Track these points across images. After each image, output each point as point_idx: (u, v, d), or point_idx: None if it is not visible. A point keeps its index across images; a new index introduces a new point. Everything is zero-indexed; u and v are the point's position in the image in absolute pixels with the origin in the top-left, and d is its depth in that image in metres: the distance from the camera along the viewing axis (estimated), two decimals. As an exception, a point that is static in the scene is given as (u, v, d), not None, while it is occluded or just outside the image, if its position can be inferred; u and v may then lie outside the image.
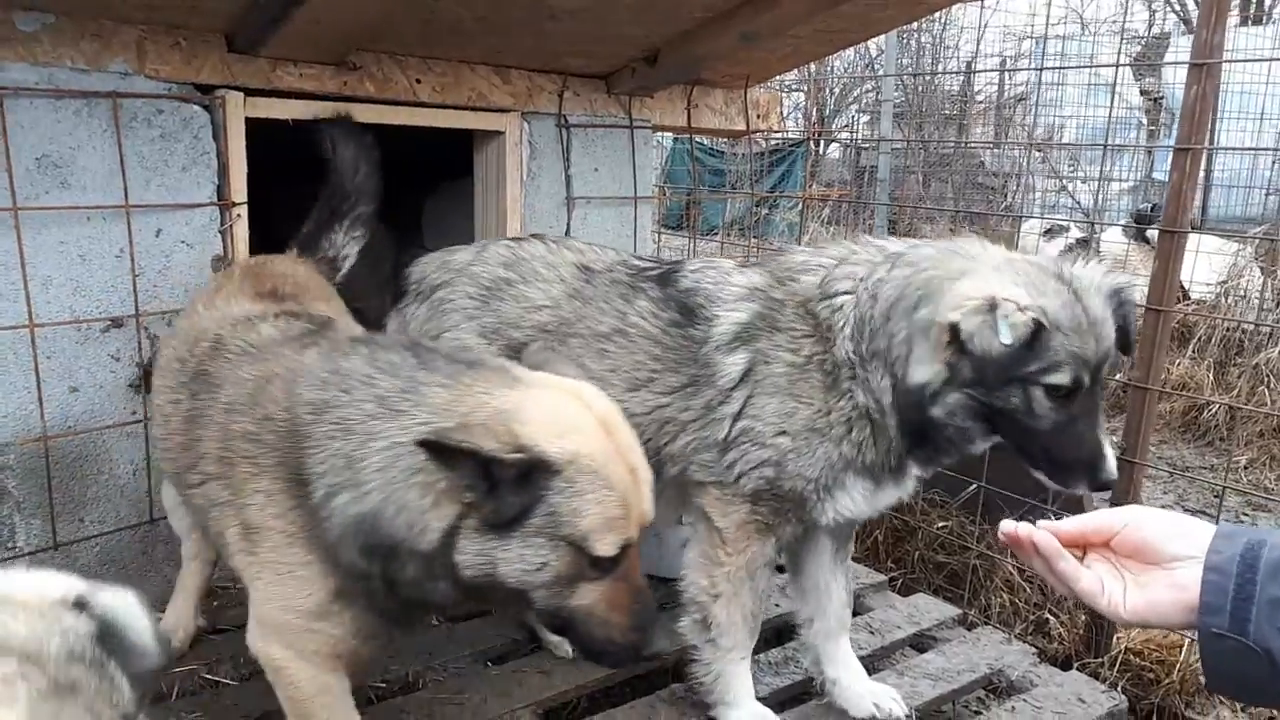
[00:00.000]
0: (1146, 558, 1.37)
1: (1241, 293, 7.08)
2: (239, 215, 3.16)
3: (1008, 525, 1.47)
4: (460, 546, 1.77)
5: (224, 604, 3.22)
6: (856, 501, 2.54)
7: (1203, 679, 1.32)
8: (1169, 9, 18.57)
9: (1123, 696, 3.00)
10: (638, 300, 2.71)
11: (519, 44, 3.47)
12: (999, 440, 2.42)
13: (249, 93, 3.15)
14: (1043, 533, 1.43)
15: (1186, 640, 3.20)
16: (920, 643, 3.25)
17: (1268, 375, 6.11)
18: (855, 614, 3.29)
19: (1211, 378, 6.42)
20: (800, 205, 9.14)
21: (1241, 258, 7.34)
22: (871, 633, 3.20)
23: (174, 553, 3.22)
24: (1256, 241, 7.71)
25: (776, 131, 5.82)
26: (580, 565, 1.78)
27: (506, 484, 1.71)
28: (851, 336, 2.42)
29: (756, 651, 3.03)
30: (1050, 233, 8.51)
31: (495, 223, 3.88)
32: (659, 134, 4.95)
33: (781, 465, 2.47)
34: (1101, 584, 1.38)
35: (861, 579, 3.53)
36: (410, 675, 2.86)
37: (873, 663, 3.08)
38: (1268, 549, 1.23)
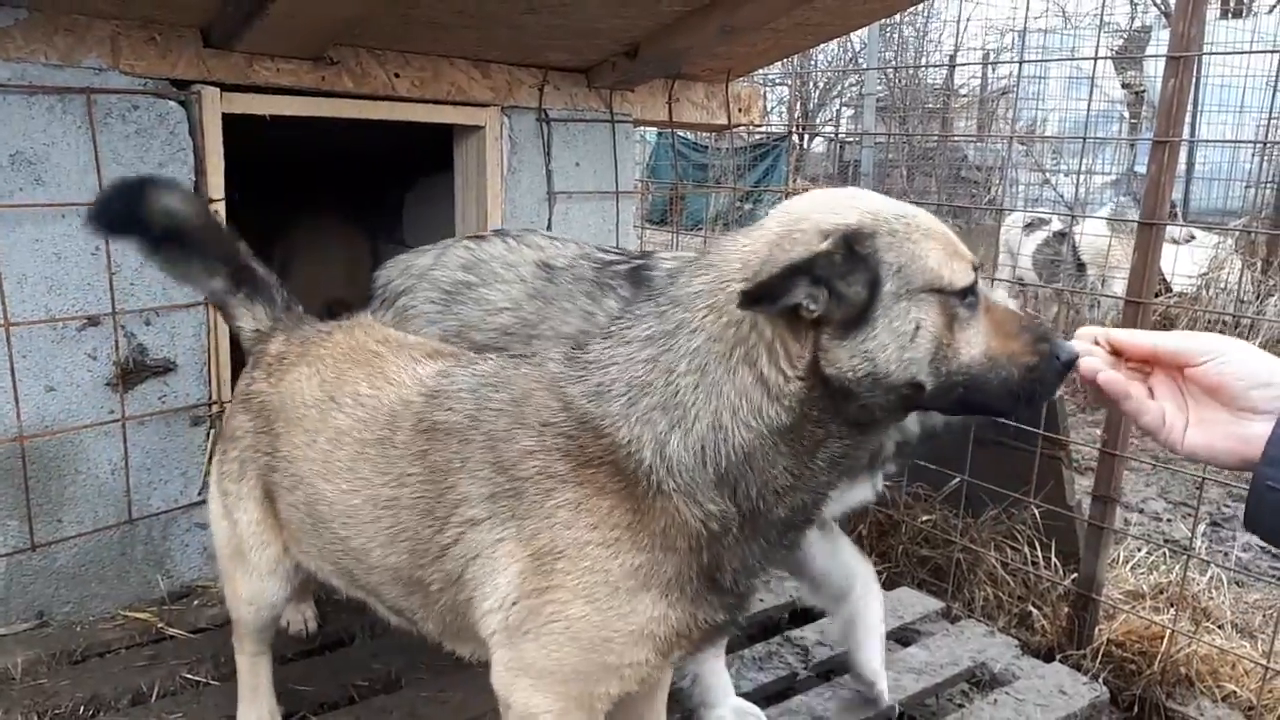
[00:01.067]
0: (1221, 398, 1.34)
1: (1223, 285, 7.13)
2: (216, 212, 3.13)
3: (1084, 360, 1.51)
4: (830, 361, 1.59)
5: (204, 603, 3.21)
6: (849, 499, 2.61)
7: (1242, 518, 1.30)
8: (1150, 2, 18.67)
9: (1104, 688, 3.01)
10: (605, 299, 2.65)
11: (498, 37, 3.46)
12: None
13: (226, 88, 3.12)
14: (1110, 374, 1.46)
15: (1168, 631, 3.22)
16: (904, 636, 3.26)
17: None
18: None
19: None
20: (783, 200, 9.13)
21: (1222, 250, 7.39)
22: (855, 626, 3.20)
23: (153, 552, 3.21)
24: (1236, 234, 7.77)
25: (759, 126, 5.81)
26: (950, 309, 1.60)
27: (839, 275, 1.54)
28: None
29: (740, 647, 3.04)
30: (1030, 226, 8.54)
31: (476, 218, 3.86)
32: (641, 128, 4.94)
33: None
34: (1164, 417, 1.40)
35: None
36: (393, 673, 2.85)
37: (856, 656, 3.08)
38: None
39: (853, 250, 1.55)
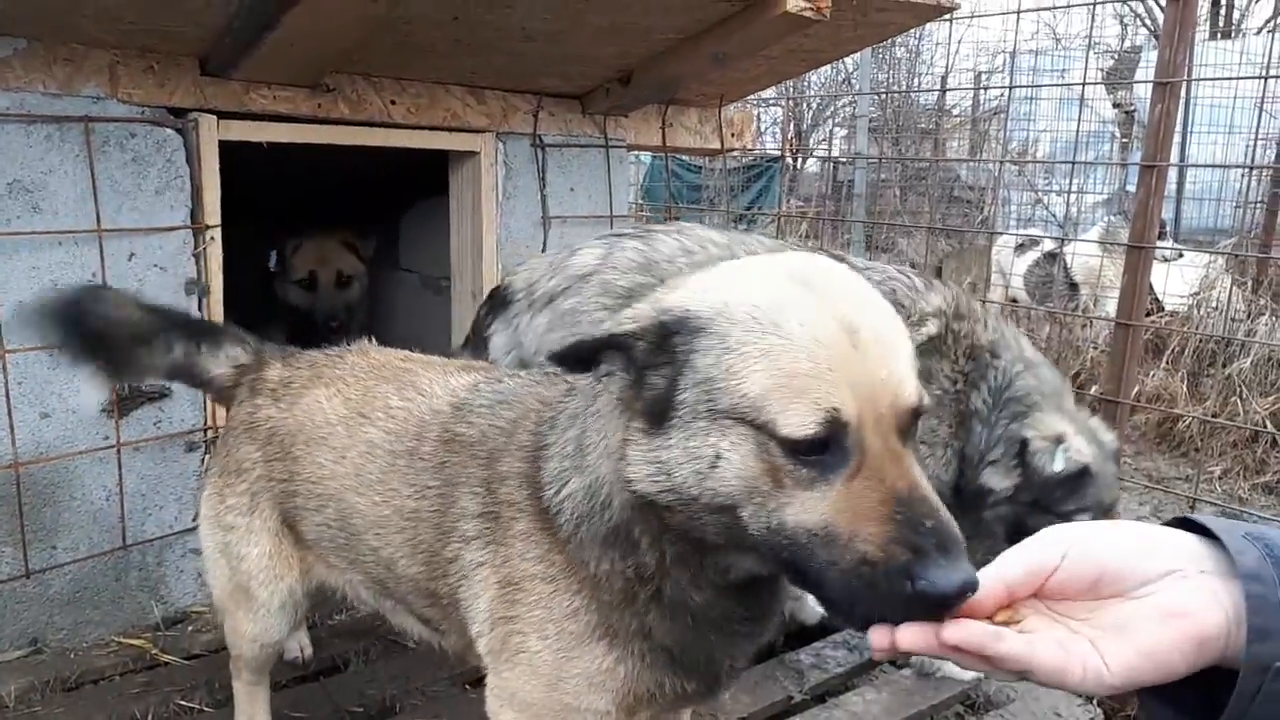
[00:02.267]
0: (1106, 590, 1.03)
1: (1214, 304, 7.15)
2: (212, 238, 3.15)
3: (880, 639, 1.13)
4: (629, 458, 1.41)
5: (199, 629, 3.20)
6: None
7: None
8: (1140, 23, 18.83)
9: (1099, 710, 3.01)
10: None
11: (493, 65, 3.49)
12: None
13: (222, 115, 3.14)
14: (954, 627, 1.04)
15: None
16: (899, 659, 3.26)
17: (1240, 386, 6.17)
18: (833, 632, 3.30)
19: (1185, 389, 6.48)
20: (776, 223, 9.19)
21: (1213, 269, 7.42)
22: (850, 649, 3.21)
23: (148, 578, 3.21)
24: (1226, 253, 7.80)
25: (751, 150, 5.85)
26: (769, 455, 1.27)
27: (648, 361, 1.37)
28: (982, 396, 2.81)
29: (735, 670, 3.03)
30: (1022, 247, 8.58)
31: (471, 242, 3.88)
32: (636, 151, 4.97)
33: None
34: (1065, 651, 1.00)
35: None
36: (387, 699, 2.84)
37: (850, 679, 3.09)
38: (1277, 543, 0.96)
39: (667, 340, 1.35)
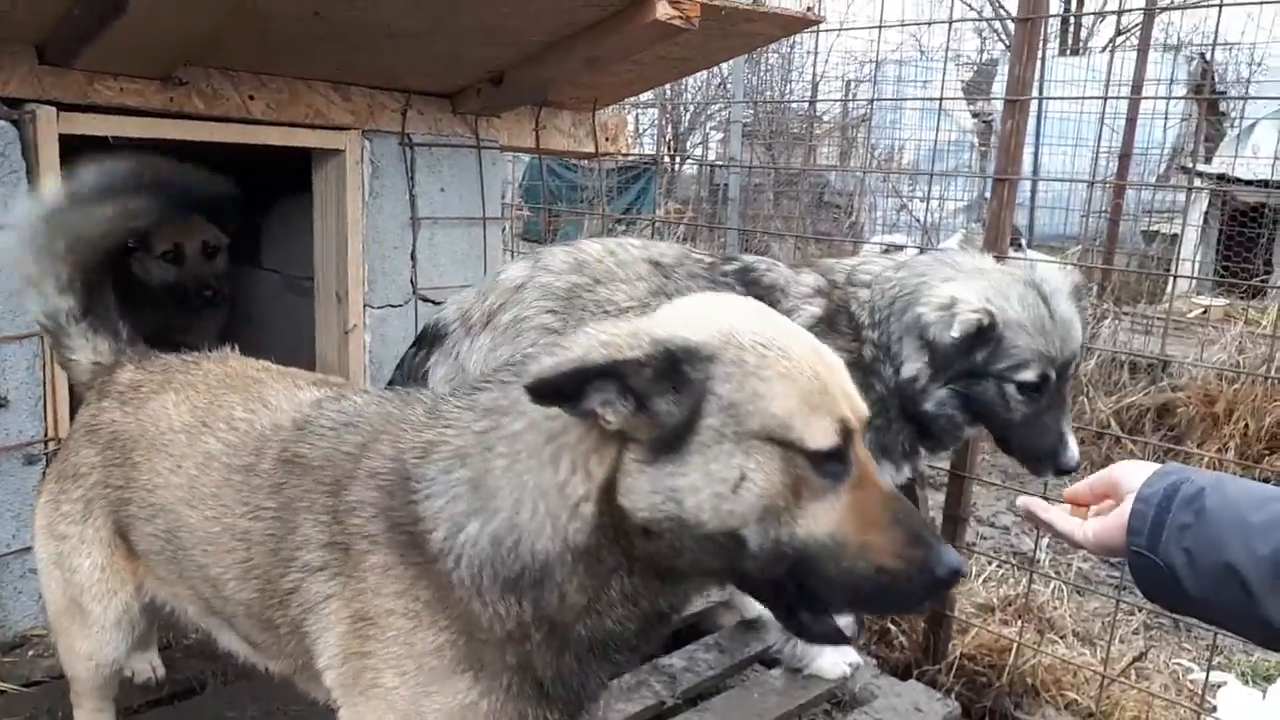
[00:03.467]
0: (1116, 495, 1.57)
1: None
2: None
3: (1022, 500, 1.76)
4: (627, 489, 1.38)
5: (40, 654, 3.01)
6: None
7: (1137, 591, 1.53)
8: (997, 37, 19.74)
9: (956, 703, 3.13)
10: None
11: (359, 62, 3.39)
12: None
13: (64, 108, 2.95)
14: (1034, 501, 1.73)
15: (1015, 644, 3.38)
16: (769, 659, 3.32)
17: (1087, 386, 6.53)
18: (706, 633, 3.33)
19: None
20: (652, 227, 9.28)
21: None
22: (721, 651, 3.24)
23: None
24: (1075, 258, 8.26)
25: (625, 155, 5.87)
26: (795, 470, 1.35)
27: (652, 390, 1.34)
28: (871, 329, 2.76)
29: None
30: (887, 252, 8.88)
31: (335, 243, 3.76)
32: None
33: None
34: (1074, 524, 1.63)
35: (710, 597, 3.58)
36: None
37: (722, 681, 3.12)
38: (1186, 484, 1.45)
39: (677, 368, 1.35)
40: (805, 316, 2.80)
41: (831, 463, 1.37)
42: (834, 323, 2.81)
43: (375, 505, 1.65)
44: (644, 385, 1.35)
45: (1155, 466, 1.56)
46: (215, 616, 2.11)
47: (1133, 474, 1.56)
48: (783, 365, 1.37)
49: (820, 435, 1.36)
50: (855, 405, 1.44)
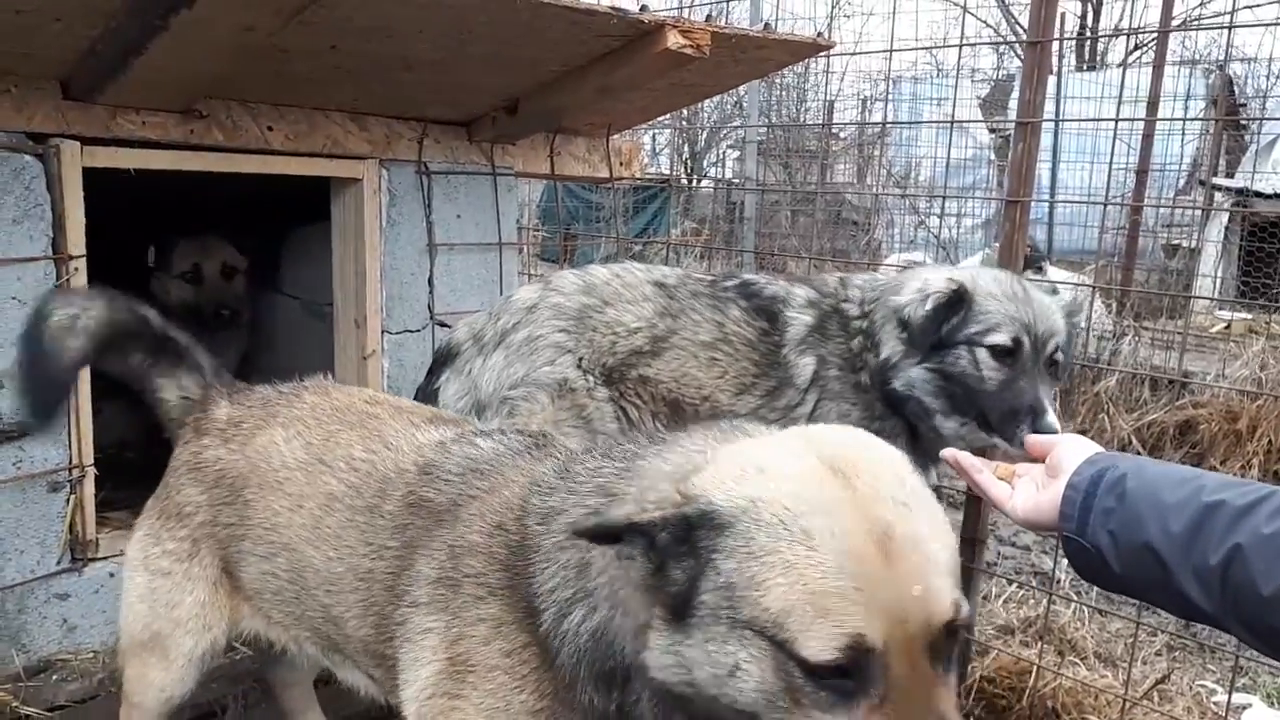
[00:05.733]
0: (1054, 472, 1.66)
1: (1082, 325, 7.52)
2: (76, 269, 3.02)
3: (948, 452, 1.88)
4: (650, 645, 1.33)
5: (64, 678, 3.04)
6: None
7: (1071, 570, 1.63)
8: (1013, 52, 19.72)
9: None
10: (729, 310, 2.91)
11: (375, 92, 3.44)
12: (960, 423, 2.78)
13: (87, 141, 3.02)
14: (964, 454, 1.86)
15: (1035, 666, 3.35)
16: None
17: (1108, 403, 6.49)
18: None
19: (1058, 406, 6.78)
20: (666, 250, 9.32)
21: (1082, 292, 7.80)
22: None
23: (8, 626, 3.03)
24: (1094, 274, 8.22)
25: (639, 179, 5.92)
26: (790, 675, 1.21)
27: (669, 551, 1.29)
28: (860, 319, 2.88)
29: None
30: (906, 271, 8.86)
31: (354, 269, 3.81)
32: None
33: None
34: (1009, 493, 1.73)
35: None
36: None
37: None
38: (1111, 470, 1.55)
39: (691, 534, 1.28)
40: (798, 326, 2.92)
41: (834, 678, 1.19)
42: (825, 329, 2.92)
43: (497, 558, 1.65)
44: (665, 545, 1.29)
45: (1095, 448, 1.67)
46: (338, 654, 2.12)
47: (1073, 455, 1.65)
48: (794, 553, 1.21)
49: (816, 646, 1.17)
50: (919, 607, 1.20)
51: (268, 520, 2.07)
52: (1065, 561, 4.67)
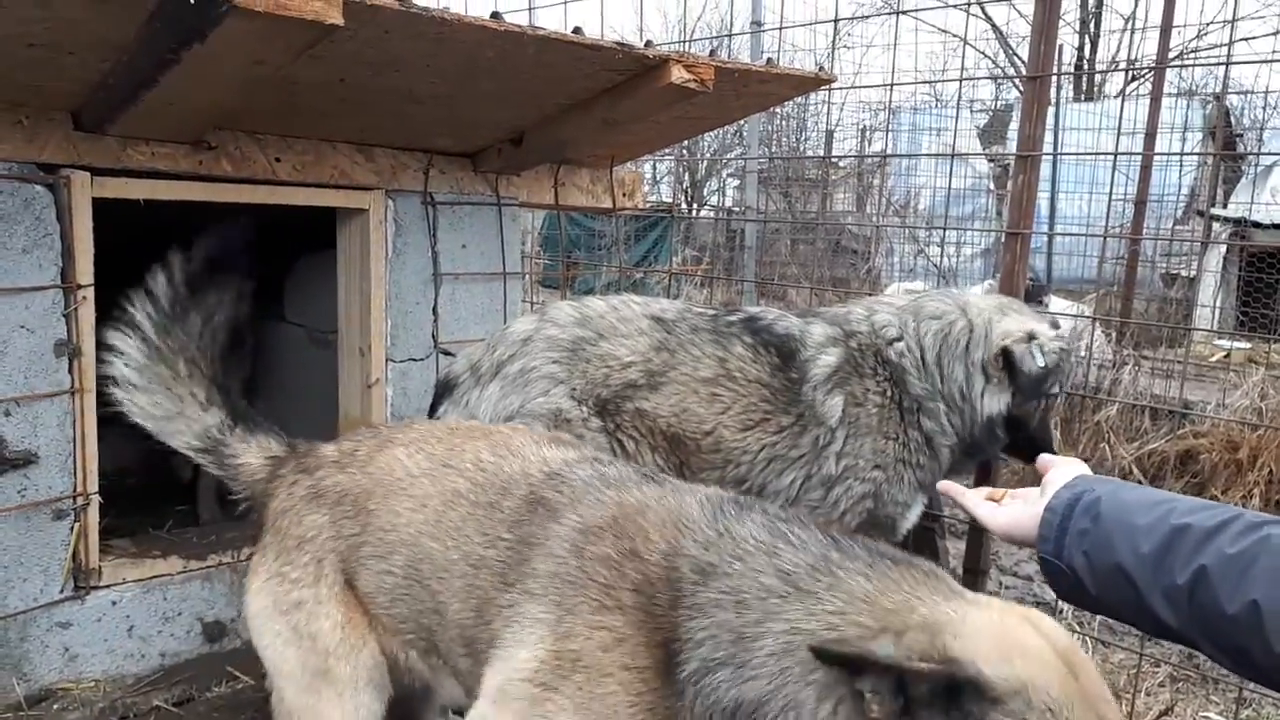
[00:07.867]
0: (1046, 492, 1.74)
1: (1083, 354, 7.54)
2: (85, 298, 3.04)
3: (941, 484, 2.07)
4: None
5: (65, 707, 3.03)
6: (916, 514, 3.06)
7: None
8: (1011, 83, 19.88)
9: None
10: (733, 346, 2.90)
11: (381, 124, 3.48)
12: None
13: (97, 172, 3.05)
14: (952, 484, 2.02)
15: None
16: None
17: (1108, 433, 6.50)
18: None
19: (1059, 435, 6.80)
20: (668, 279, 9.37)
21: (1082, 321, 7.83)
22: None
23: (9, 655, 3.03)
24: (1093, 304, 8.25)
25: (641, 210, 5.96)
26: None
27: (923, 703, 1.36)
28: (918, 378, 2.93)
29: None
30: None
31: (359, 298, 3.84)
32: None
33: (879, 496, 2.89)
34: (992, 509, 1.83)
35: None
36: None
37: None
38: (1088, 494, 1.62)
39: (957, 695, 1.35)
40: (823, 365, 2.92)
41: None
42: (860, 368, 2.93)
43: (629, 579, 1.70)
44: (919, 695, 1.35)
45: (1084, 470, 1.76)
46: (435, 656, 2.13)
47: (1061, 478, 1.73)
48: None
49: None
50: None
51: (388, 522, 2.11)
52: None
